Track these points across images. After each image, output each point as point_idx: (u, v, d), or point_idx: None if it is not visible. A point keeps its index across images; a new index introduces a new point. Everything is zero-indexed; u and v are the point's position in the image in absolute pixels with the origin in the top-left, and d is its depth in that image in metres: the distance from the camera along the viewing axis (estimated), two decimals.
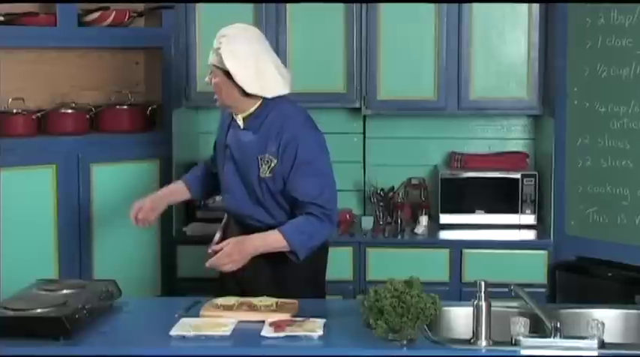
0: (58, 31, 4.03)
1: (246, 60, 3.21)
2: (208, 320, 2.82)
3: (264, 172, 3.24)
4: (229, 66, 3.19)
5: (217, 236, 3.45)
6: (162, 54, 4.38)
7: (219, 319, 2.82)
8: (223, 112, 3.44)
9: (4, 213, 3.87)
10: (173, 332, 2.72)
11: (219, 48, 3.22)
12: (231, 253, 3.19)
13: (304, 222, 3.20)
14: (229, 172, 3.35)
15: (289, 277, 3.28)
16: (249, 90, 3.22)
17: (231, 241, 3.23)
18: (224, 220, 3.51)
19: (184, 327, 2.75)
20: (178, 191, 3.62)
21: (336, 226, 3.29)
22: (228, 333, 2.72)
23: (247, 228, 3.32)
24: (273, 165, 3.23)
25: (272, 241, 3.21)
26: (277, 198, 3.27)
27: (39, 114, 4.09)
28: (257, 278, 3.28)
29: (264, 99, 3.26)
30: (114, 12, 4.18)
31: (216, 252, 3.22)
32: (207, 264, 3.23)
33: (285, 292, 3.09)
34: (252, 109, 3.28)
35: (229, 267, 3.21)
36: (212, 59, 3.26)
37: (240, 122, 3.31)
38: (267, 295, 3.03)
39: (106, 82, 4.45)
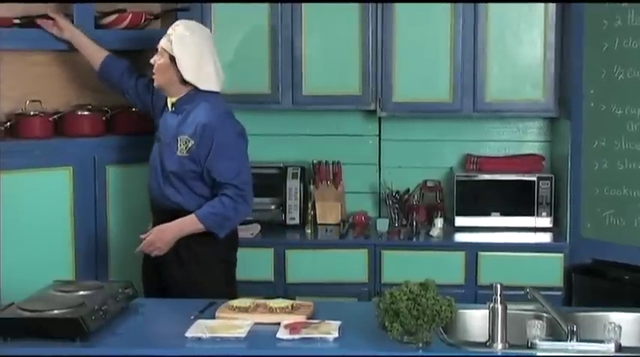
0: None
1: (192, 50, 3.54)
2: (224, 322, 2.83)
3: (182, 151, 3.51)
4: (176, 50, 3.52)
5: (151, 225, 3.67)
6: None
7: (234, 321, 2.83)
8: (159, 93, 3.70)
9: (20, 214, 3.89)
10: (189, 334, 2.73)
11: (171, 34, 3.55)
12: (153, 242, 3.52)
13: (218, 204, 3.48)
14: (154, 151, 3.66)
15: (204, 256, 3.54)
16: (186, 77, 3.53)
17: (153, 231, 3.55)
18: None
19: (200, 328, 2.76)
20: (95, 54, 3.95)
21: (250, 206, 3.57)
22: (243, 335, 2.72)
23: (159, 208, 3.61)
24: (190, 145, 3.50)
25: (189, 225, 3.51)
26: (187, 177, 3.51)
27: (55, 116, 4.10)
28: (172, 259, 3.54)
29: (196, 88, 3.56)
30: (130, 14, 4.19)
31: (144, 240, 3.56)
32: (136, 251, 3.58)
33: (201, 271, 3.49)
34: (182, 95, 3.59)
35: (155, 253, 3.54)
36: (162, 42, 3.57)
37: (170, 105, 3.61)
38: (182, 274, 3.49)
39: None
